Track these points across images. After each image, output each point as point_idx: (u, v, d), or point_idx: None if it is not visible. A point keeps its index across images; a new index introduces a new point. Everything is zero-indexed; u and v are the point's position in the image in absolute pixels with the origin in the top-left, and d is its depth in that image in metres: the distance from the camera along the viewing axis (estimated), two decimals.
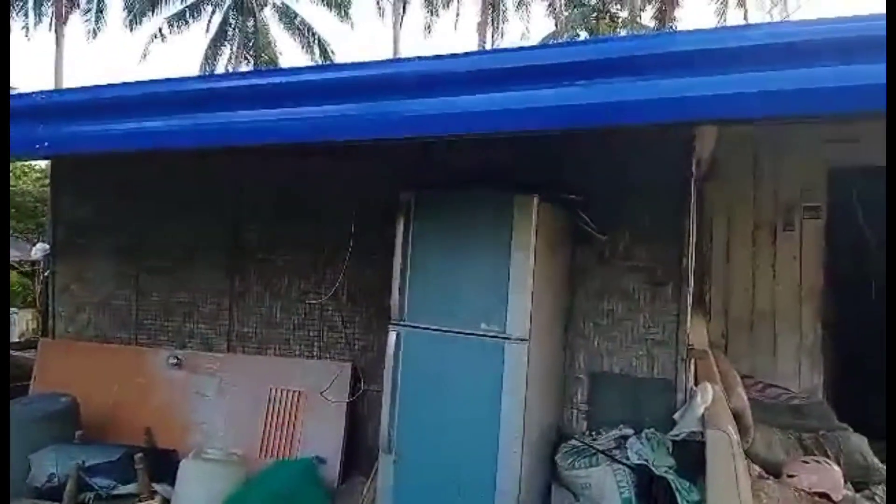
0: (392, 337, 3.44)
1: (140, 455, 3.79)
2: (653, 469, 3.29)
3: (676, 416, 3.51)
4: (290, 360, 4.56)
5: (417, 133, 2.53)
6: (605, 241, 3.76)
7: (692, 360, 3.71)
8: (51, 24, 22.03)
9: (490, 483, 3.16)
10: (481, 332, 3.22)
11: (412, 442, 3.38)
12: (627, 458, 3.39)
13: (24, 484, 3.77)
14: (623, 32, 18.42)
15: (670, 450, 3.40)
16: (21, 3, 21.83)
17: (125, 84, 3.06)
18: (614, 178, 3.74)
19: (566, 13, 20.48)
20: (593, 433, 3.68)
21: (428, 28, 23.70)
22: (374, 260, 4.15)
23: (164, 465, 3.91)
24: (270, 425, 4.34)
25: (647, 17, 19.63)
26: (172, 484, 3.75)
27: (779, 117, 2.26)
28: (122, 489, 3.76)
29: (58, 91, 2.85)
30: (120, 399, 4.59)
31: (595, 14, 19.06)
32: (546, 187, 3.33)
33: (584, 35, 18.74)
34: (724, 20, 19.45)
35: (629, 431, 3.58)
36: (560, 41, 17.39)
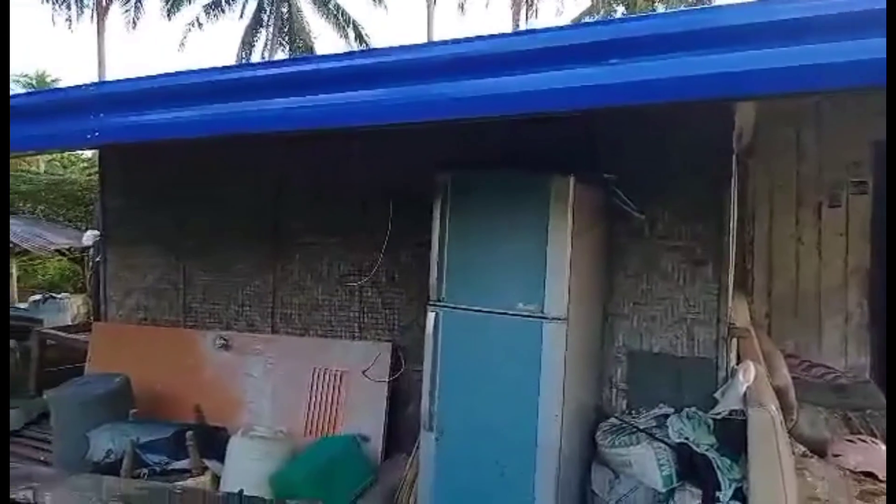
0: (431, 317, 3.49)
1: (191, 432, 3.94)
2: (694, 447, 3.30)
3: (717, 394, 3.50)
4: (331, 340, 4.66)
5: (452, 116, 2.54)
6: (644, 220, 3.73)
7: (734, 339, 3.68)
8: (92, 16, 22.53)
9: (530, 460, 3.20)
10: (519, 312, 3.25)
11: (453, 420, 3.44)
12: (668, 437, 3.40)
13: (83, 460, 3.95)
14: (660, 7, 17.99)
15: (711, 428, 3.39)
16: None
17: (168, 74, 3.13)
18: (652, 156, 3.70)
19: None
20: (633, 412, 3.69)
21: (461, 7, 23.51)
22: (412, 241, 4.19)
23: (213, 442, 4.06)
24: (314, 404, 4.46)
25: None
26: (222, 460, 3.89)
27: (832, 90, 2.20)
28: (175, 465, 3.92)
29: (106, 82, 2.95)
30: (170, 379, 4.76)
31: None
32: (582, 166, 3.32)
33: (620, 10, 18.36)
34: None
35: (669, 410, 3.58)
36: (596, 19, 17.09)
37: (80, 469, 3.80)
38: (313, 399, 4.48)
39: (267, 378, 4.64)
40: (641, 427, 3.48)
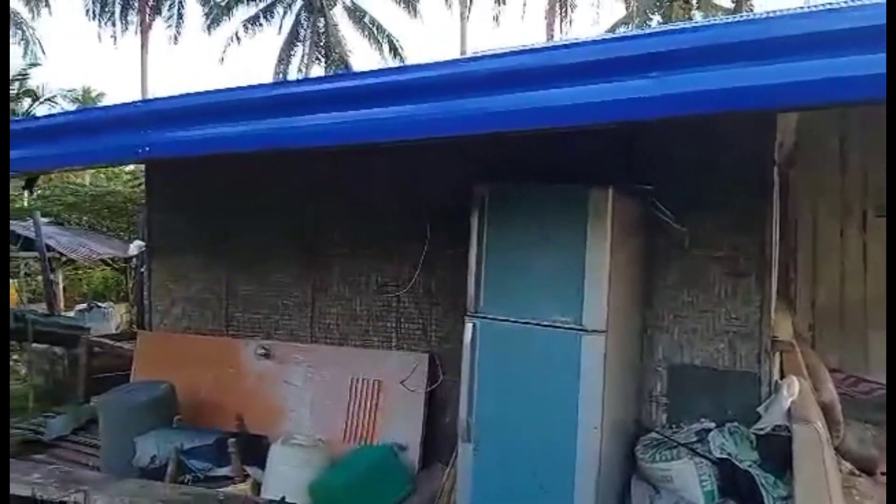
0: (468, 328, 3.51)
1: (233, 440, 4.03)
2: (736, 463, 3.24)
3: (761, 409, 3.44)
4: (369, 350, 4.72)
5: (495, 129, 2.57)
6: (684, 232, 3.70)
7: (777, 353, 3.61)
8: (136, 32, 23.27)
9: (569, 472, 3.19)
10: (558, 324, 3.25)
11: (490, 431, 3.45)
12: (710, 452, 3.35)
13: (129, 465, 4.06)
14: (698, 16, 17.80)
15: (754, 444, 3.33)
16: (109, 14, 23.15)
17: (213, 92, 3.23)
18: (692, 167, 3.67)
19: None
20: (673, 426, 3.65)
21: (496, 19, 23.63)
22: (449, 253, 4.22)
23: (254, 450, 4.13)
24: (352, 413, 4.51)
25: None
26: (263, 467, 3.96)
27: (876, 101, 2.17)
28: (217, 471, 4.01)
29: (155, 99, 3.08)
30: (213, 387, 4.87)
31: None
32: (621, 178, 3.32)
33: (656, 19, 18.22)
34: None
35: (710, 425, 3.53)
36: (633, 30, 16.99)
37: (126, 474, 3.91)
38: (351, 408, 4.53)
39: (306, 387, 4.71)
40: (682, 442, 3.44)
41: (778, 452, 3.13)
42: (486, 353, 3.48)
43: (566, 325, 3.22)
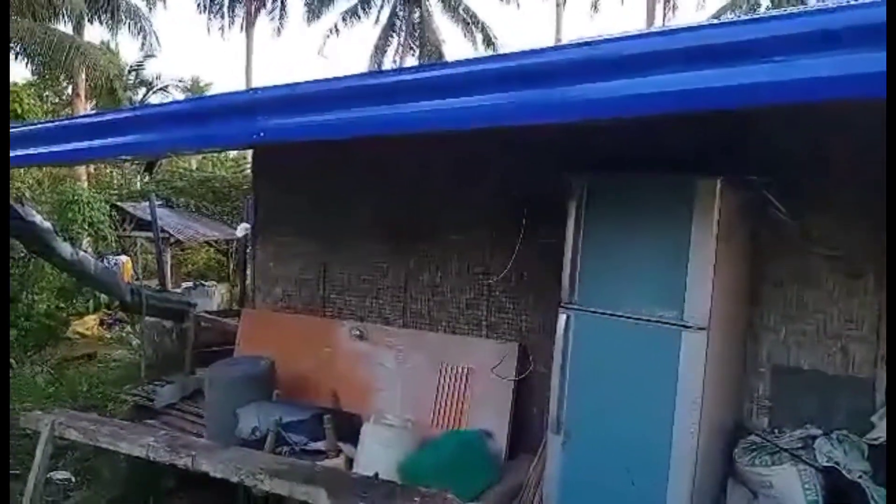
0: (562, 319, 3.48)
1: (328, 416, 4.18)
2: (844, 473, 3.07)
3: (875, 418, 3.23)
4: (459, 337, 4.77)
5: (590, 115, 2.53)
6: (797, 226, 3.50)
7: None
8: (242, 25, 24.34)
9: (663, 470, 3.11)
10: (657, 319, 3.17)
11: (581, 424, 3.41)
12: (815, 460, 3.19)
13: (231, 434, 4.30)
14: None
15: (866, 454, 3.15)
16: (218, 7, 24.35)
17: (322, 80, 3.33)
18: (807, 158, 3.47)
19: None
20: (776, 430, 3.49)
21: (594, 6, 23.02)
22: (543, 242, 4.19)
23: (347, 427, 4.27)
24: (441, 397, 4.58)
25: None
26: (355, 444, 4.10)
27: None
28: (312, 445, 4.16)
29: (268, 87, 3.23)
30: (309, 364, 5.07)
31: None
32: (726, 168, 3.18)
33: (765, 3, 17.23)
34: None
35: (817, 431, 3.36)
36: (739, 13, 16.17)
37: (229, 442, 4.14)
38: (440, 392, 4.60)
39: (397, 369, 4.82)
40: (785, 447, 3.29)
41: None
42: (580, 345, 3.44)
43: (666, 321, 3.14)
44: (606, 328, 3.35)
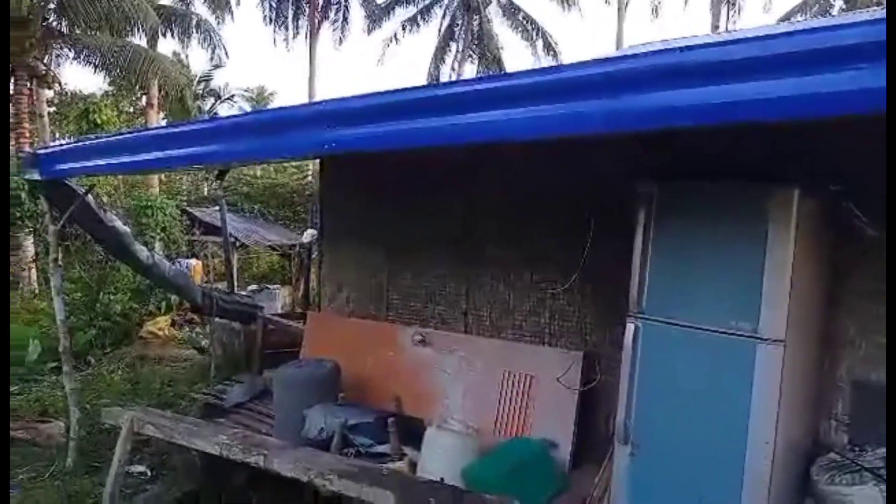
0: (630, 329, 3.43)
1: (392, 419, 4.24)
2: None
3: None
4: (521, 344, 4.77)
5: (656, 125, 2.48)
6: (877, 237, 3.36)
7: None
8: (306, 36, 24.98)
9: (735, 486, 3.03)
10: (730, 331, 3.09)
11: (650, 435, 3.36)
12: None
13: (298, 434, 4.40)
14: None
15: None
16: (283, 19, 25.06)
17: (391, 91, 3.40)
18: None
19: None
20: (856, 448, 3.34)
21: (655, 11, 22.66)
22: (610, 251, 4.13)
23: (410, 431, 4.31)
24: (504, 405, 4.58)
25: None
26: (418, 448, 4.13)
27: None
28: (377, 448, 4.23)
29: (338, 99, 3.31)
30: (373, 368, 5.16)
31: None
32: (804, 176, 3.07)
33: (839, 5, 16.56)
34: None
35: None
36: (809, 15, 15.59)
37: (296, 442, 4.25)
38: (503, 400, 4.60)
39: (460, 375, 4.84)
40: (867, 466, 3.15)
41: None
42: (648, 356, 3.39)
43: (740, 333, 3.05)
44: (676, 339, 3.29)
